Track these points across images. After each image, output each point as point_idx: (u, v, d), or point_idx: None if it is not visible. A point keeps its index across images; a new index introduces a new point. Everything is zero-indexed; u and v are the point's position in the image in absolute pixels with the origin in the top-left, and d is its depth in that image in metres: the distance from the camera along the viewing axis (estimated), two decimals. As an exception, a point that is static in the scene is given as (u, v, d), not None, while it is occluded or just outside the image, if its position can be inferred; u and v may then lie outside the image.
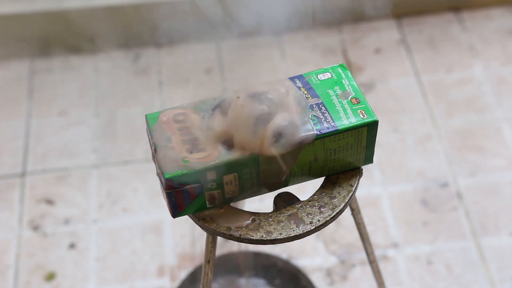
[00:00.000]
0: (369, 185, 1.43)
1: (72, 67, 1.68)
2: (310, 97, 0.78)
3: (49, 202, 1.42)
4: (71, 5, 1.64)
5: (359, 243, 1.34)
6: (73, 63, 1.68)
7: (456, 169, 1.45)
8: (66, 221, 1.39)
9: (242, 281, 1.27)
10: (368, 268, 1.30)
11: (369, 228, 1.30)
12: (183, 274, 1.30)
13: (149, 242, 1.36)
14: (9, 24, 1.64)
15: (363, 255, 1.32)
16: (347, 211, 0.87)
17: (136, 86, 1.64)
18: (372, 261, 0.97)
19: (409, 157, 1.48)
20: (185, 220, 1.37)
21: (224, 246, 1.33)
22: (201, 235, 1.36)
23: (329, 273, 1.31)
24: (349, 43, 1.71)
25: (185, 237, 1.36)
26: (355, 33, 1.74)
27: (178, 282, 1.29)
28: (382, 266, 1.30)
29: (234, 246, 1.32)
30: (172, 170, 0.73)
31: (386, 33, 1.73)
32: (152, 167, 1.48)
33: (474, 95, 1.59)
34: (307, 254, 1.33)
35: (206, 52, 1.70)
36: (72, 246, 1.35)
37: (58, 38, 1.67)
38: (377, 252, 1.32)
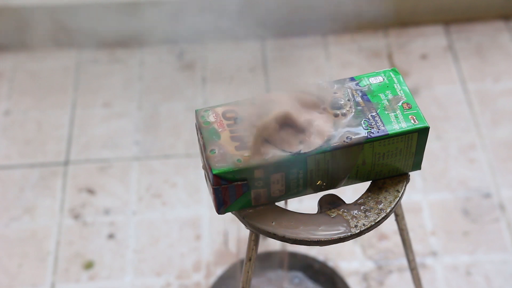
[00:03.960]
0: (410, 192, 1.42)
1: (118, 59, 1.70)
2: (361, 101, 0.78)
3: (90, 191, 1.44)
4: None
5: (397, 249, 1.33)
6: (119, 56, 1.70)
7: (500, 180, 1.43)
8: (106, 212, 1.40)
9: (277, 278, 1.26)
10: (405, 275, 1.29)
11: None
12: (219, 271, 1.31)
13: (187, 237, 1.37)
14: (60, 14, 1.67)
15: (400, 261, 1.31)
16: (390, 216, 0.86)
17: (180, 81, 1.65)
18: (413, 268, 0.96)
19: (451, 166, 1.46)
20: (223, 217, 1.37)
21: (261, 245, 1.33)
22: (238, 233, 1.37)
23: (365, 277, 1.30)
24: (395, 48, 1.70)
25: (222, 234, 1.37)
26: (401, 37, 1.72)
27: (214, 278, 1.29)
28: (419, 274, 1.28)
29: (270, 246, 1.32)
30: (221, 166, 0.73)
31: (433, 39, 1.71)
32: (192, 162, 1.49)
33: (521, 106, 1.57)
34: (344, 257, 1.33)
35: (251, 51, 1.70)
36: (111, 236, 1.37)
37: (106, 30, 1.69)
38: (416, 260, 1.31)
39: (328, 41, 1.72)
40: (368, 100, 0.77)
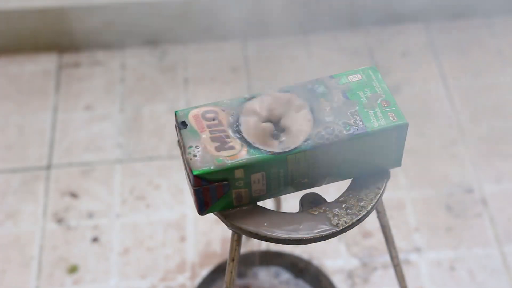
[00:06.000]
0: (393, 188, 1.42)
1: (99, 62, 1.69)
2: (341, 98, 0.78)
3: (73, 195, 1.43)
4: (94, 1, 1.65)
5: (381, 246, 1.33)
6: (100, 59, 1.70)
7: (482, 175, 1.44)
8: (90, 215, 1.40)
9: (262, 278, 1.27)
10: (389, 272, 1.30)
11: (392, 231, 1.30)
12: (204, 272, 1.31)
13: (171, 238, 1.36)
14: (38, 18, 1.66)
15: (385, 258, 1.32)
16: (372, 213, 0.86)
17: (162, 83, 1.65)
18: (396, 265, 0.97)
19: (434, 162, 1.47)
20: (207, 218, 1.37)
21: (245, 245, 1.33)
22: (222, 233, 1.37)
23: (350, 275, 1.30)
24: (376, 45, 1.70)
25: (207, 235, 1.36)
26: (382, 35, 1.73)
27: (199, 279, 1.29)
28: (404, 270, 1.29)
29: (255, 245, 1.32)
30: (201, 167, 0.73)
31: (414, 36, 1.72)
32: (176, 163, 1.48)
33: (502, 101, 1.58)
34: (328, 256, 1.33)
35: (233, 51, 1.70)
36: (95, 240, 1.36)
37: (85, 33, 1.69)
38: (400, 256, 1.31)
39: (310, 40, 1.72)
40: (347, 98, 0.78)
